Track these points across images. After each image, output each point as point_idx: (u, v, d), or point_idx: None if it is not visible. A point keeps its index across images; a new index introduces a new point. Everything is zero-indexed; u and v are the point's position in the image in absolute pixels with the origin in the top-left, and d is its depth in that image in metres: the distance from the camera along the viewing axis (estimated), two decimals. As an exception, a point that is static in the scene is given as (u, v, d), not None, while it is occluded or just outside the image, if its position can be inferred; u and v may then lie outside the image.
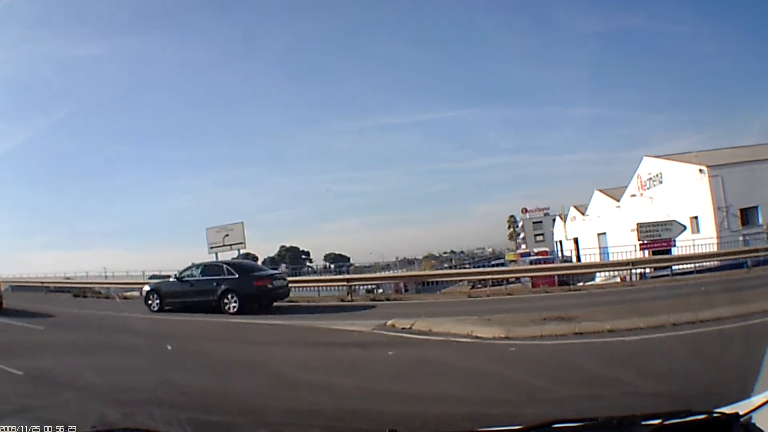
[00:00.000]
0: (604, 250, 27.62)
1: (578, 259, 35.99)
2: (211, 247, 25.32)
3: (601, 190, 38.38)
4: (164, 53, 56.37)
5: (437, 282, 23.34)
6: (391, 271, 31.79)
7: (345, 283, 19.54)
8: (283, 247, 60.92)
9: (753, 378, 2.46)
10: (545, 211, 66.76)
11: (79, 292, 23.25)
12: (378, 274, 26.67)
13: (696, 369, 5.87)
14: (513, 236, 69.64)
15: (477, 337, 8.84)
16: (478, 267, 34.76)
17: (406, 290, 21.99)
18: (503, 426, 2.32)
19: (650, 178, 30.53)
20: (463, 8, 56.16)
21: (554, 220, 56.24)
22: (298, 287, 19.95)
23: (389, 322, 10.74)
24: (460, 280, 22.90)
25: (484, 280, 20.23)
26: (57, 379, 7.03)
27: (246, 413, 5.08)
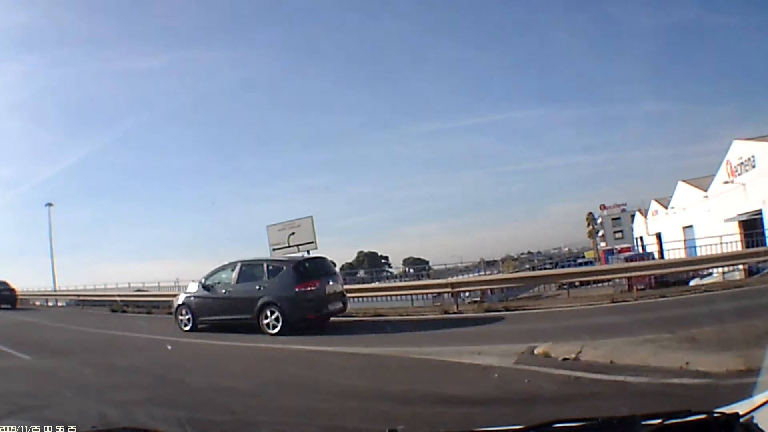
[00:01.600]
0: (690, 244, 25.69)
1: (661, 255, 33.78)
2: (274, 249, 21.09)
3: (685, 181, 35.92)
4: (230, 65, 59.26)
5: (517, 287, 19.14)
6: (479, 274, 27.74)
7: (448, 290, 15.15)
8: (361, 252, 61.88)
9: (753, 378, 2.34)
10: (623, 207, 63.68)
11: (117, 306, 21.27)
12: (489, 276, 22.14)
13: None
14: (592, 234, 66.98)
15: (704, 374, 5.29)
16: (564, 267, 31.81)
17: (492, 294, 18.78)
18: (503, 426, 2.38)
19: (741, 163, 28.06)
20: (526, 8, 55.13)
21: (633, 216, 53.32)
22: (384, 296, 16.81)
23: (539, 349, 7.00)
24: (569, 281, 17.02)
25: (577, 281, 17.52)
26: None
27: (246, 413, 4.99)
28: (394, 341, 9.56)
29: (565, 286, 16.76)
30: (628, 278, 15.75)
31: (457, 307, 14.30)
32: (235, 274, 12.45)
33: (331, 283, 12.19)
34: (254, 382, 7.15)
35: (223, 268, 12.92)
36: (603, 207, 67.93)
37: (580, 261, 41.83)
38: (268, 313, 11.44)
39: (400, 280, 27.96)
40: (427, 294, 17.02)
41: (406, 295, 16.97)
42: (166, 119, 66.14)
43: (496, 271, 30.82)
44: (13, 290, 26.98)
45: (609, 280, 18.28)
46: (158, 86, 63.18)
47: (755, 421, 1.95)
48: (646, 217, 45.81)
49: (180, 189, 73.06)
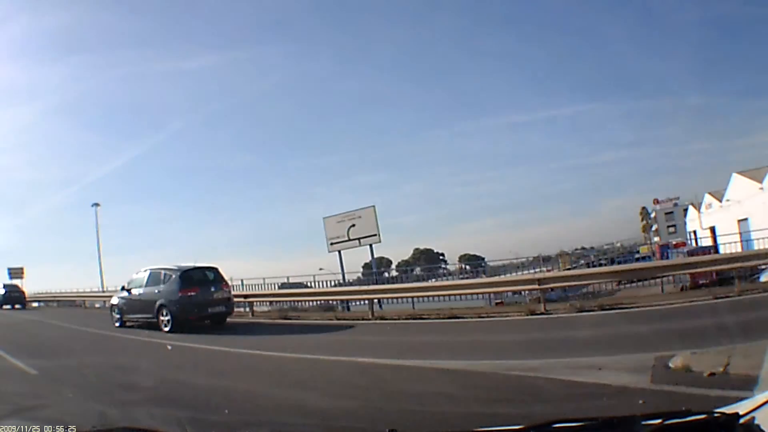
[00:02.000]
0: (746, 237, 24.36)
1: (716, 249, 32.17)
2: (332, 243, 19.58)
3: (740, 173, 34.20)
4: (280, 64, 59.81)
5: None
6: (536, 270, 24.35)
7: (535, 286, 13.52)
8: (417, 249, 61.84)
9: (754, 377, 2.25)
10: (675, 201, 61.34)
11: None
12: (579, 271, 19.26)
13: None
14: (646, 229, 64.75)
15: None
16: (623, 263, 30.38)
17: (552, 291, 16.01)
18: (503, 426, 2.39)
19: (798, 153, 26.40)
20: (573, 1, 53.89)
21: (686, 210, 51.24)
22: (445, 295, 15.15)
23: (675, 362, 5.65)
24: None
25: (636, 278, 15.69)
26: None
27: (246, 413, 5.00)
28: (484, 350, 8.16)
29: (624, 283, 15.61)
30: (692, 274, 14.34)
31: (545, 306, 12.69)
32: (144, 281, 14.72)
33: (212, 289, 14.28)
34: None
35: (136, 277, 15.19)
36: (656, 201, 65.56)
37: (637, 256, 40.00)
38: (163, 313, 13.66)
39: (457, 278, 26.42)
40: (508, 291, 15.55)
41: (489, 292, 15.45)
42: (216, 119, 67.88)
43: (554, 268, 28.93)
44: (22, 293, 31.31)
45: (692, 274, 15.30)
46: (206, 87, 64.82)
47: (755, 421, 1.92)
48: (699, 210, 43.90)
49: (232, 189, 74.74)
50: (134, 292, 14.88)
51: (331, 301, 17.90)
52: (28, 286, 34.90)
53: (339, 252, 20.70)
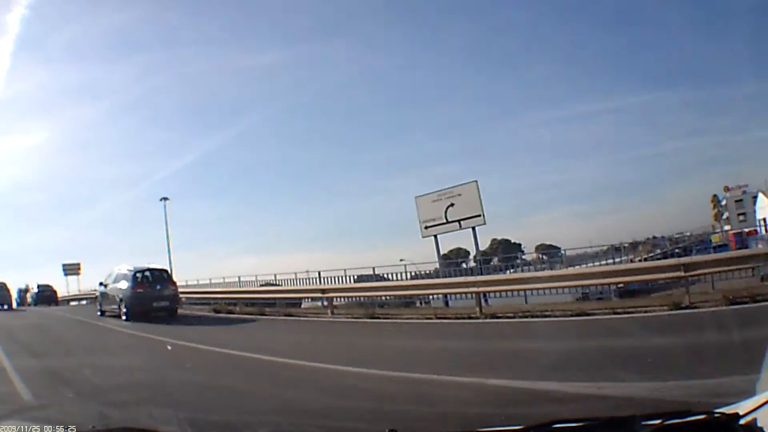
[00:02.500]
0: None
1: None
2: (427, 227, 17.32)
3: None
4: (348, 58, 59.21)
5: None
6: (615, 260, 21.55)
7: (680, 273, 11.44)
8: (494, 240, 61.55)
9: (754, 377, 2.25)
10: (744, 189, 60.51)
11: (221, 306, 19.76)
12: (741, 252, 16.20)
13: None
14: (718, 217, 64.21)
15: None
16: (701, 252, 26.08)
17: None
18: (503, 426, 2.39)
19: None
20: None
21: (755, 197, 50.44)
22: (524, 289, 13.69)
23: None
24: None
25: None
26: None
27: (246, 413, 5.02)
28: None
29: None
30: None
31: (689, 298, 10.92)
32: (113, 278, 17.59)
33: (159, 287, 16.98)
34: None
35: (111, 273, 17.96)
36: (727, 188, 64.60)
37: (714, 245, 38.31)
38: (122, 306, 16.45)
39: (536, 268, 23.69)
40: (646, 279, 12.93)
41: (626, 281, 13.38)
42: (287, 115, 67.56)
43: (634, 257, 26.61)
44: (54, 292, 33.24)
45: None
46: (277, 82, 64.46)
47: (755, 421, 1.91)
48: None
49: (306, 182, 74.36)
50: (109, 287, 17.77)
51: (412, 296, 16.33)
52: (85, 282, 36.74)
53: (435, 237, 17.93)
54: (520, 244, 58.25)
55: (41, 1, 49.41)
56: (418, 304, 16.45)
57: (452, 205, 16.96)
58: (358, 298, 16.70)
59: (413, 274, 18.01)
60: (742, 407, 2.01)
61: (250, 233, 72.26)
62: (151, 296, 16.58)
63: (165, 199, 35.26)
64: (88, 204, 77.21)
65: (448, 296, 15.18)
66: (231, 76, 61.74)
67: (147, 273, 17.28)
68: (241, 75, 62.37)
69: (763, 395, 2.02)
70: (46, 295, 31.90)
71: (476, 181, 16.91)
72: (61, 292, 35.45)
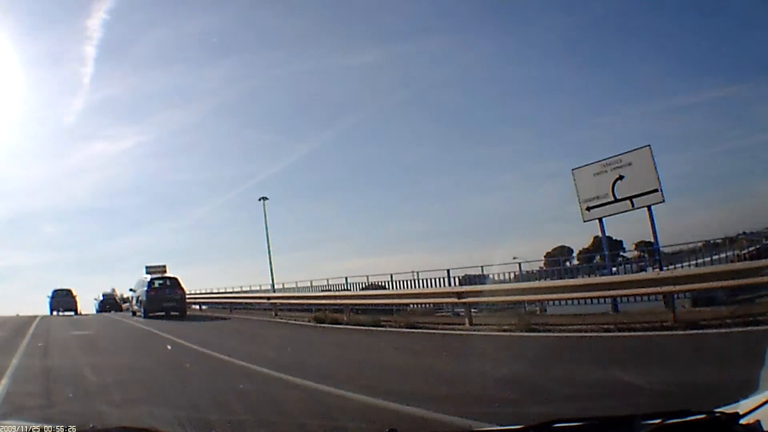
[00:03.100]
0: None
1: None
2: (590, 207, 13.89)
3: None
4: (445, 56, 58.10)
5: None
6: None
7: None
8: (596, 237, 61.33)
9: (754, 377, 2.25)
10: None
11: (322, 315, 16.34)
12: None
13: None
14: None
15: None
16: None
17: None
18: (503, 426, 2.38)
19: None
20: None
21: None
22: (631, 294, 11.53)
23: None
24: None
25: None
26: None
27: (245, 413, 5.01)
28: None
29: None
30: None
31: None
32: (138, 284, 22.86)
33: (167, 292, 21.42)
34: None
35: (138, 281, 23.14)
36: None
37: None
38: (141, 306, 21.51)
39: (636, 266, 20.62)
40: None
41: None
42: (387, 114, 66.79)
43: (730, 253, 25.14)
44: (116, 299, 37.62)
45: None
46: (375, 82, 63.62)
47: (756, 420, 1.90)
48: None
49: (407, 182, 73.66)
50: (137, 292, 22.79)
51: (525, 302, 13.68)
52: None
53: (600, 221, 14.29)
54: (621, 241, 57.94)
55: (122, 6, 49.42)
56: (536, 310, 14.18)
57: (621, 178, 13.46)
58: (501, 304, 13.99)
59: (522, 273, 16.33)
60: (742, 407, 2.00)
61: (353, 234, 71.95)
62: (162, 298, 21.15)
63: (264, 198, 34.65)
64: (185, 207, 77.74)
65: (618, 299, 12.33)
66: (328, 76, 60.82)
67: (160, 281, 22.22)
68: (339, 75, 61.47)
69: (763, 395, 2.01)
70: (110, 303, 36.45)
71: (649, 146, 13.35)
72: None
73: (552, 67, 62.72)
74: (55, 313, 29.29)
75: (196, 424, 4.42)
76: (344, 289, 19.80)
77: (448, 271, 16.15)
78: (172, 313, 20.99)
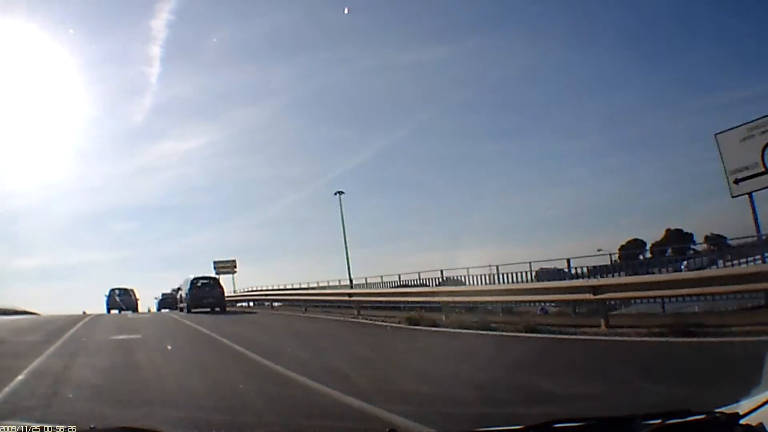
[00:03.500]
0: None
1: None
2: (739, 179, 11.78)
3: None
4: (513, 51, 57.86)
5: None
6: None
7: None
8: (668, 230, 60.81)
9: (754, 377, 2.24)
10: None
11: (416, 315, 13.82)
12: None
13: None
14: None
15: None
16: None
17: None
18: (503, 426, 2.37)
19: None
20: None
21: None
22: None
23: None
24: None
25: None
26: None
27: (245, 413, 4.92)
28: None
29: None
30: None
31: None
32: (182, 284, 26.61)
33: (207, 290, 24.89)
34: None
35: (183, 281, 26.46)
36: None
37: None
38: (184, 303, 25.20)
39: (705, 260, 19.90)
40: None
41: None
42: (461, 109, 66.73)
43: None
44: (174, 298, 36.45)
45: None
46: (446, 77, 63.65)
47: (756, 420, 1.90)
48: None
49: (481, 176, 73.58)
50: (182, 290, 26.36)
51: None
52: (240, 282, 39.43)
53: (749, 196, 12.09)
54: (691, 234, 57.11)
55: (187, 6, 49.95)
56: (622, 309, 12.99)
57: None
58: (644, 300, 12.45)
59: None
60: (742, 407, 2.00)
61: (429, 229, 72.34)
62: (202, 296, 24.42)
63: (340, 192, 33.66)
64: (257, 205, 77.50)
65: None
66: (399, 72, 60.66)
67: (202, 280, 25.53)
68: (411, 71, 61.34)
69: (763, 395, 2.01)
70: (168, 302, 37.17)
71: None
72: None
73: (612, 63, 62.26)
74: (113, 311, 29.93)
75: (198, 424, 4.42)
76: (438, 285, 17.67)
77: (530, 264, 15.72)
78: (215, 309, 24.27)
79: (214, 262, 38.80)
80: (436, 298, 14.93)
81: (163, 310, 35.04)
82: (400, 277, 21.45)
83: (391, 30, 58.69)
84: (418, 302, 15.42)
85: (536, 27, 58.70)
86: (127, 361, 8.94)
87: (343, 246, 32.97)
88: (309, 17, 56.23)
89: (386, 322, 14.33)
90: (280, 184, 75.18)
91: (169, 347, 11.12)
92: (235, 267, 39.48)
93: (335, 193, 33.99)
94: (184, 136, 67.07)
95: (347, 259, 32.46)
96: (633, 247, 34.05)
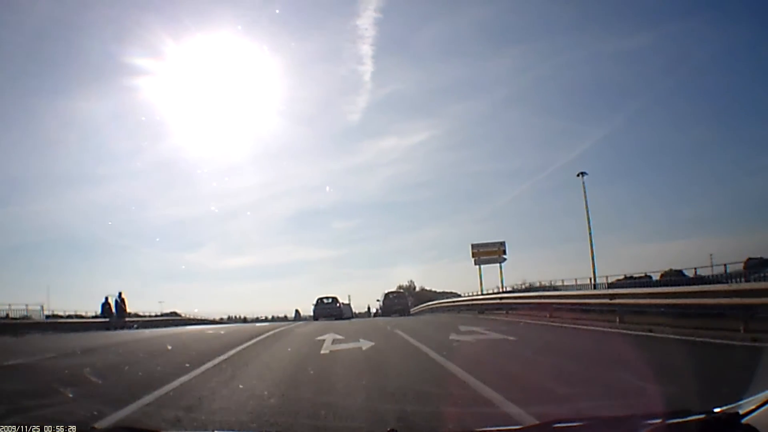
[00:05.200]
0: None
1: None
2: None
3: None
4: (706, 36, 56.06)
5: None
6: None
7: None
8: None
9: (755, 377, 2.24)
10: None
11: None
12: None
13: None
14: None
15: None
16: None
17: None
18: (503, 426, 2.38)
19: None
20: None
21: None
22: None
23: None
24: None
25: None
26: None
27: (246, 413, 4.91)
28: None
29: None
30: None
31: None
32: (382, 296, 38.43)
33: (327, 303, 33.32)
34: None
35: (383, 293, 36.18)
36: None
37: None
38: (313, 313, 33.43)
39: None
40: None
41: None
42: (669, 96, 64.98)
43: None
44: (339, 303, 36.26)
45: None
46: (652, 64, 61.94)
47: (756, 420, 1.90)
48: None
49: (690, 163, 71.59)
50: (315, 304, 33.41)
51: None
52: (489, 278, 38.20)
53: None
54: None
55: (392, 4, 50.08)
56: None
57: None
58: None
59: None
60: (742, 407, 1.99)
61: (632, 221, 71.47)
62: (324, 310, 31.93)
63: (582, 173, 31.55)
64: (481, 198, 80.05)
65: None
66: (607, 61, 59.38)
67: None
68: (618, 59, 59.61)
69: (763, 395, 2.00)
70: (333, 309, 33.31)
71: None
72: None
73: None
74: (320, 320, 30.26)
75: (197, 425, 4.42)
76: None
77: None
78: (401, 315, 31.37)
79: (472, 245, 34.64)
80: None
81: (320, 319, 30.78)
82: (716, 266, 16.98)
83: (590, 20, 57.34)
84: (738, 305, 10.30)
85: (725, 10, 55.55)
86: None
87: (585, 236, 29.83)
88: (513, 10, 55.50)
89: (681, 335, 9.84)
90: (503, 176, 76.00)
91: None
92: (503, 252, 34.06)
93: (578, 175, 31.44)
94: (405, 132, 68.81)
95: (591, 244, 29.37)
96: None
